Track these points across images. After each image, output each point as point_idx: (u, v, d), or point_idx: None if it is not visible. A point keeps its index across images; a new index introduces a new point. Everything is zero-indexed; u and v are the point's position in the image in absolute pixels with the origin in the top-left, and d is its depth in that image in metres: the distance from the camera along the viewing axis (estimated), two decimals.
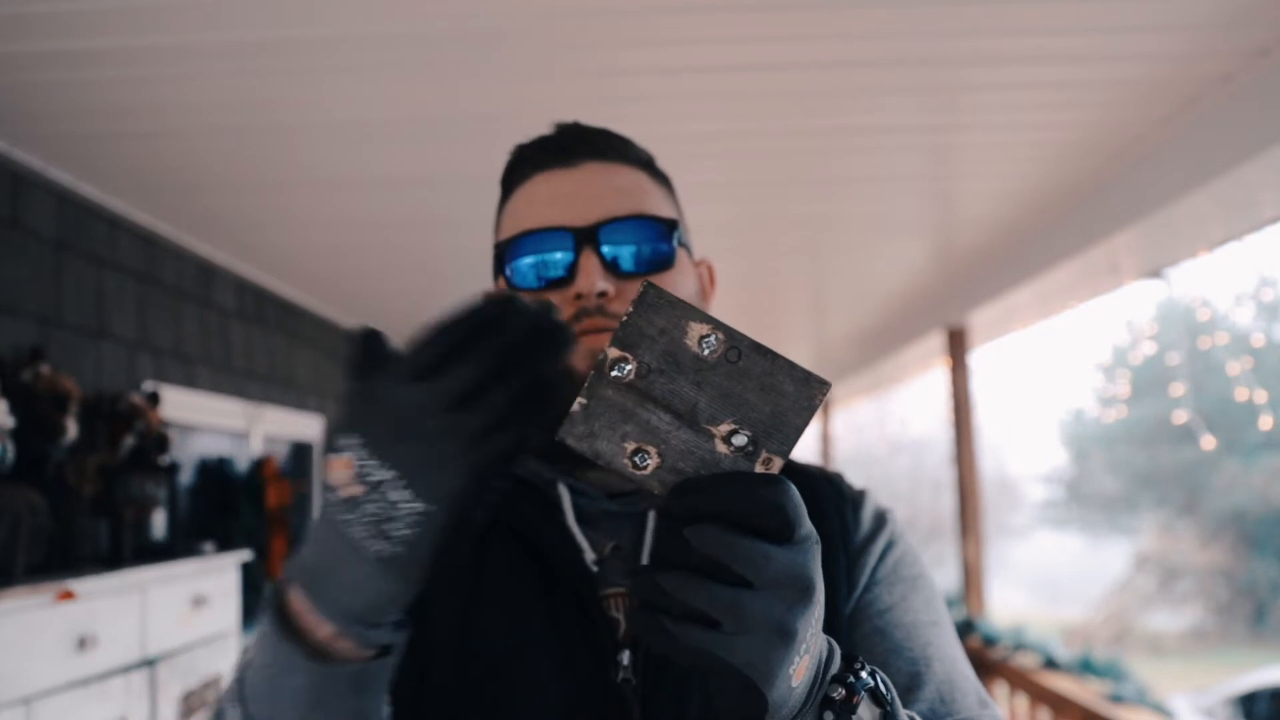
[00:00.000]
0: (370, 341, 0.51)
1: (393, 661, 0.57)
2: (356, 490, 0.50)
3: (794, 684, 0.50)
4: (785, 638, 0.48)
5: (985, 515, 4.39)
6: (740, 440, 0.50)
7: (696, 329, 0.50)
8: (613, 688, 0.70)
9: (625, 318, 0.50)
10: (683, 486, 0.50)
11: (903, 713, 0.57)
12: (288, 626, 0.55)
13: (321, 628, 0.54)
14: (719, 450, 0.50)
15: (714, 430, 0.50)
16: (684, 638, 0.47)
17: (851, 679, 0.54)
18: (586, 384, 0.50)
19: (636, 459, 0.50)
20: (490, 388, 0.49)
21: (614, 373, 0.50)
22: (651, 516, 0.77)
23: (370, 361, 0.51)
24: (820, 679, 0.53)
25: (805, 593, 0.49)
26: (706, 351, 0.50)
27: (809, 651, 0.51)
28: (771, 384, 0.50)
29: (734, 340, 0.50)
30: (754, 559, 0.47)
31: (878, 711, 0.55)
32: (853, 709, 0.53)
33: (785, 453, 0.51)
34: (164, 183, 2.72)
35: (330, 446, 0.53)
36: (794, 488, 0.50)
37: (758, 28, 1.92)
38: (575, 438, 0.51)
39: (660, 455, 0.50)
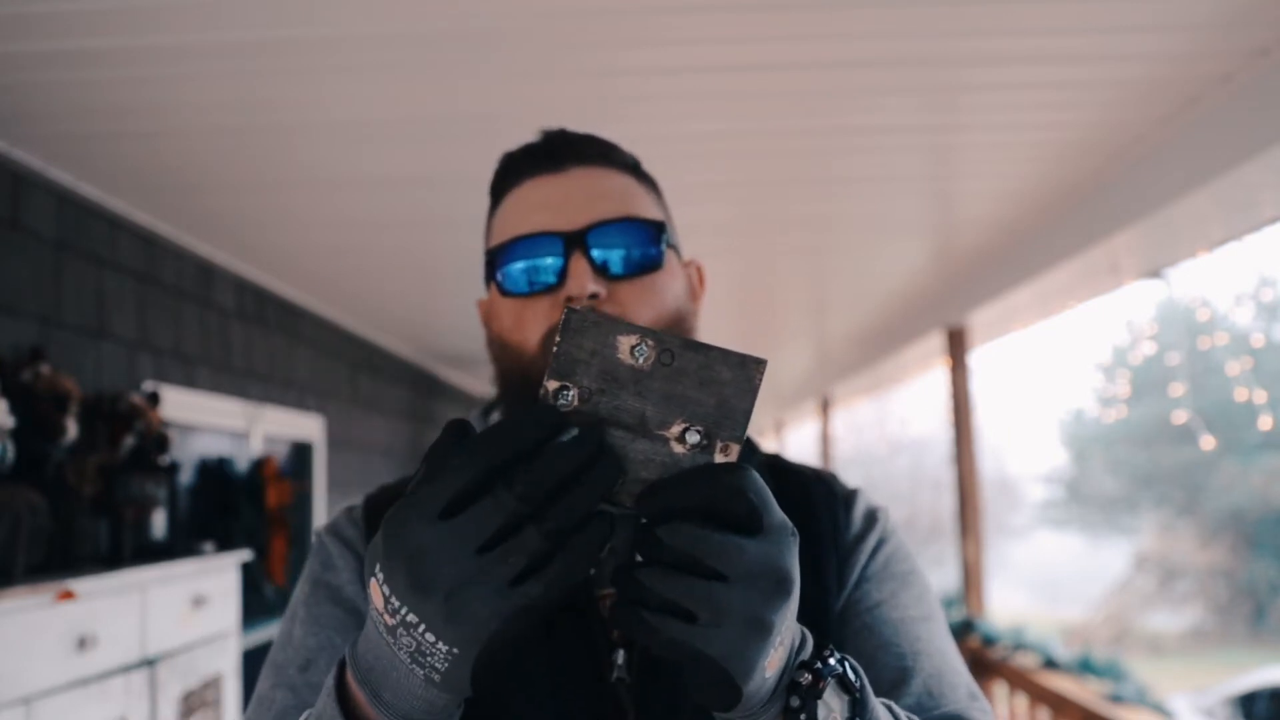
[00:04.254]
0: (454, 436, 0.49)
1: None
2: (391, 621, 0.50)
3: (767, 675, 0.51)
4: (761, 631, 0.49)
5: (985, 515, 4.39)
6: (694, 438, 0.51)
7: (625, 341, 0.51)
8: (607, 687, 0.71)
9: (555, 348, 0.51)
10: (647, 491, 0.50)
11: (875, 701, 0.57)
12: (349, 711, 0.55)
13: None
14: (676, 452, 0.51)
15: (667, 434, 0.51)
16: (661, 629, 0.48)
17: (819, 665, 0.54)
18: None
19: None
20: (524, 528, 0.48)
21: (559, 403, 0.51)
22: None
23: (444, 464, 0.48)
24: (789, 665, 0.54)
25: (781, 585, 0.50)
26: (640, 360, 0.51)
27: (783, 643, 0.52)
28: (709, 376, 0.51)
29: (664, 343, 0.51)
30: (726, 551, 0.48)
31: (845, 698, 0.55)
32: (818, 694, 0.53)
33: (739, 438, 0.51)
34: (164, 183, 2.72)
35: (369, 568, 0.51)
36: (755, 473, 0.51)
37: (758, 28, 1.92)
38: None
39: (623, 470, 0.51)
